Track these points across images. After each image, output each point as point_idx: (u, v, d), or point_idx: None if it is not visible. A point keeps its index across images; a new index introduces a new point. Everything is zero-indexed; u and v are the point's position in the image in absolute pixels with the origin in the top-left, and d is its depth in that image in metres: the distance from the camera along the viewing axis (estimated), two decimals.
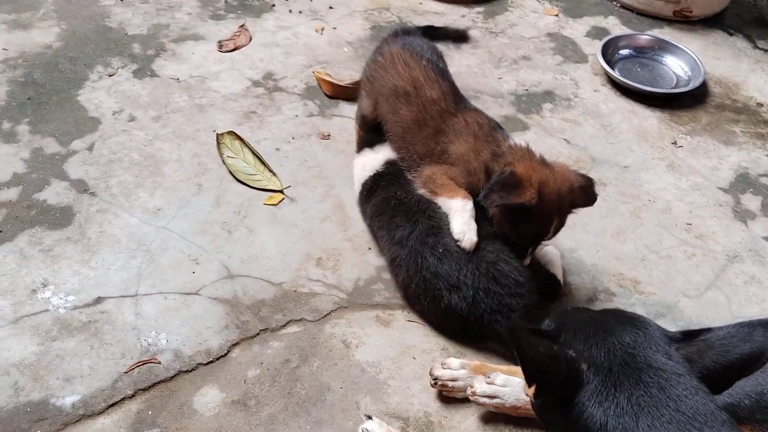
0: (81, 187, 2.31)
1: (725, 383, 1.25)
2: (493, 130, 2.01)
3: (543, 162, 1.91)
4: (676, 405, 1.14)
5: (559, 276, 2.05)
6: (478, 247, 1.89)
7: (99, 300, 2.00)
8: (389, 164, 2.21)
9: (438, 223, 1.96)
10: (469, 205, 1.95)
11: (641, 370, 1.19)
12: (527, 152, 1.92)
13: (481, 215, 1.95)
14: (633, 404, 1.16)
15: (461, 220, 1.92)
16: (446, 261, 1.89)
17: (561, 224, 1.91)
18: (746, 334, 1.25)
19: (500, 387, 1.71)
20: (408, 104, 2.12)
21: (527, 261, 1.93)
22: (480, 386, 1.71)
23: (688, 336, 1.30)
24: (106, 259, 2.10)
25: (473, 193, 1.96)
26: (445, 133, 2.05)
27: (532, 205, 1.79)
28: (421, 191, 2.05)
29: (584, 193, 1.92)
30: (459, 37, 2.57)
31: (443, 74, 2.18)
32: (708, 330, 1.30)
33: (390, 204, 2.09)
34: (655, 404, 1.15)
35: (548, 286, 2.01)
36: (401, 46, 2.24)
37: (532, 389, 1.28)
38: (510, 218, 1.88)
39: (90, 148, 2.45)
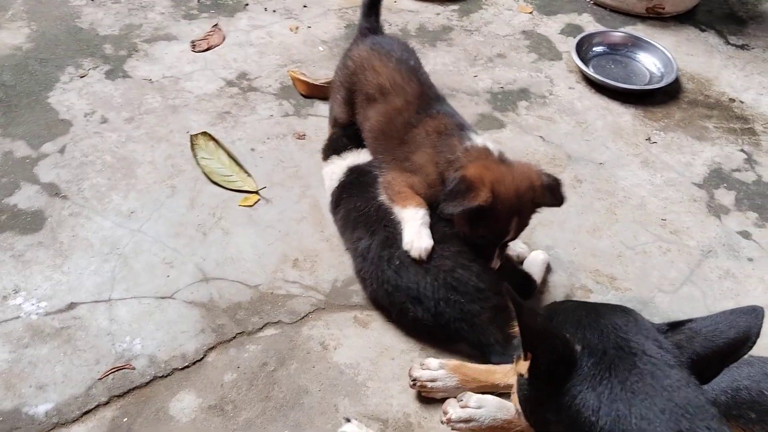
0: (52, 190, 2.28)
1: (715, 370, 1.24)
2: (451, 136, 1.95)
3: (501, 160, 1.88)
4: (669, 395, 1.11)
5: (536, 276, 2.05)
6: (431, 256, 1.87)
7: (72, 305, 1.97)
8: (351, 172, 2.20)
9: (393, 233, 1.94)
10: (420, 212, 1.92)
11: (635, 355, 1.17)
12: (483, 152, 1.89)
13: (441, 220, 1.93)
14: (627, 390, 1.12)
15: (411, 229, 1.89)
16: (404, 273, 1.88)
17: (523, 223, 1.87)
18: (731, 320, 1.25)
19: (475, 409, 1.66)
20: (376, 112, 2.11)
21: (496, 263, 1.90)
22: (455, 411, 1.67)
23: (673, 326, 1.29)
24: (78, 264, 2.07)
25: (435, 203, 1.93)
26: (407, 144, 2.02)
27: (487, 206, 1.76)
28: (382, 197, 2.03)
29: (549, 192, 1.87)
30: None
31: (413, 74, 2.14)
32: (692, 320, 1.29)
33: (351, 216, 2.09)
34: (649, 392, 1.12)
35: (522, 284, 2.01)
36: (370, 48, 2.22)
37: (526, 364, 1.23)
38: (468, 221, 1.85)
39: (61, 151, 2.41)
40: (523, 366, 1.23)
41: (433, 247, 1.88)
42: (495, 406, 1.68)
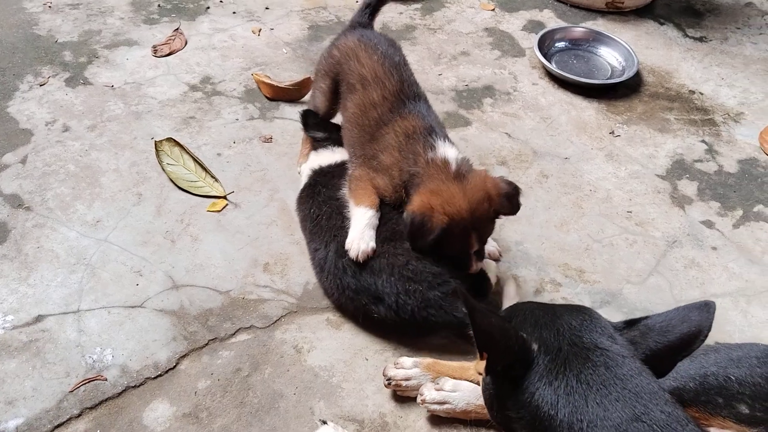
0: (15, 201, 2.24)
1: (669, 363, 1.29)
2: (416, 142, 1.94)
3: (456, 175, 1.87)
4: (623, 383, 1.17)
5: (491, 274, 2.05)
6: (370, 257, 1.88)
7: (39, 318, 1.94)
8: (315, 174, 2.21)
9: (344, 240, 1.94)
10: (369, 213, 1.93)
11: (589, 349, 1.22)
12: (441, 168, 1.88)
13: (392, 218, 1.96)
14: (582, 383, 1.18)
15: (356, 229, 1.91)
16: (363, 276, 1.88)
17: (485, 233, 1.90)
18: (683, 316, 1.30)
19: (449, 392, 1.71)
20: (354, 103, 2.11)
21: (476, 267, 1.90)
22: (429, 393, 1.72)
23: (630, 324, 1.34)
24: (44, 276, 2.04)
25: (398, 203, 1.96)
26: (377, 141, 2.02)
27: (443, 232, 1.78)
28: (344, 190, 2.04)
29: (507, 200, 1.88)
30: None
31: (395, 69, 2.12)
32: (647, 317, 1.34)
33: (307, 225, 2.10)
34: (603, 382, 1.17)
35: (478, 282, 1.99)
36: (357, 39, 2.22)
37: (483, 363, 1.29)
38: (436, 246, 1.84)
39: (23, 161, 2.37)
40: (481, 365, 1.28)
41: (387, 245, 1.90)
42: (469, 391, 1.72)
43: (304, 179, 2.23)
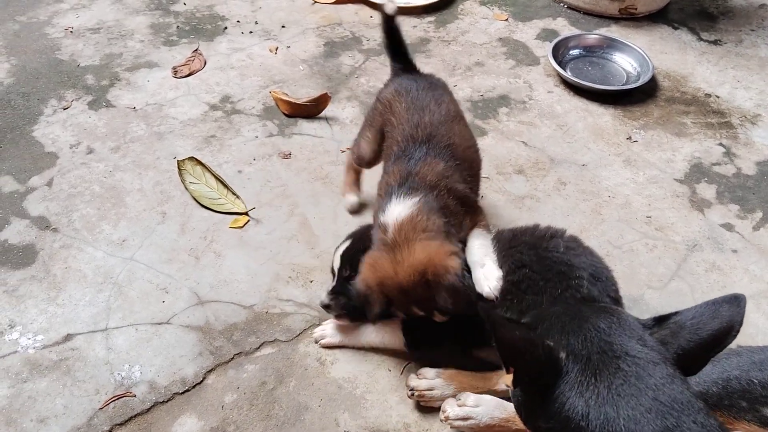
0: (42, 223, 2.29)
1: (701, 361, 1.27)
2: (380, 198, 1.85)
3: (394, 243, 1.71)
4: (655, 393, 1.15)
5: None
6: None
7: (68, 337, 1.98)
8: None
9: None
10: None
11: (619, 357, 1.20)
12: (381, 234, 1.75)
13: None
14: (613, 393, 1.16)
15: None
16: None
17: (428, 306, 1.72)
18: (714, 311, 1.27)
19: (472, 408, 1.72)
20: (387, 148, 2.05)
21: (440, 318, 1.76)
22: (452, 410, 1.73)
23: (659, 321, 1.32)
24: (73, 295, 2.08)
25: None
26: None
27: (385, 303, 1.72)
28: None
29: (449, 294, 1.66)
30: None
31: (418, 112, 1.98)
32: (677, 313, 1.31)
33: None
34: (635, 393, 1.15)
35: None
36: (394, 90, 2.11)
37: (510, 377, 1.27)
38: (383, 314, 1.79)
39: (49, 184, 2.43)
40: (507, 378, 1.26)
41: None
42: (492, 405, 1.72)
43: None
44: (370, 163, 2.24)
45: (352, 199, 2.36)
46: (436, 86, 2.12)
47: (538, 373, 1.22)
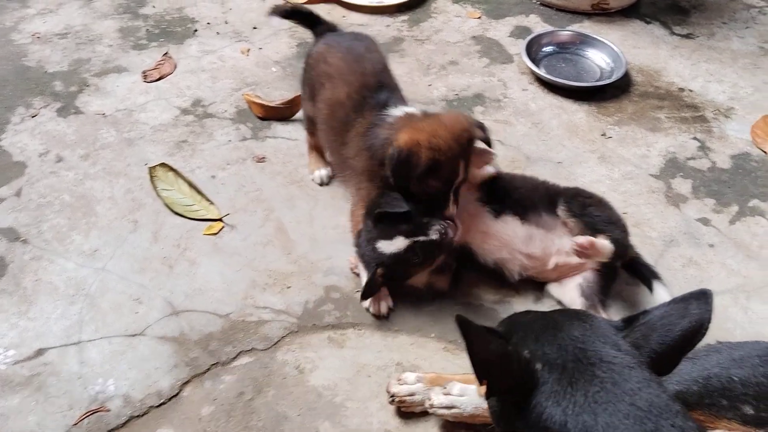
0: (12, 235, 2.24)
1: (673, 362, 1.27)
2: (375, 125, 2.00)
3: (427, 115, 1.97)
4: (632, 399, 1.14)
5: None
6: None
7: (40, 352, 1.94)
8: None
9: None
10: None
11: (594, 364, 1.19)
12: (407, 118, 1.96)
13: None
14: (590, 401, 1.15)
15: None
16: None
17: (468, 162, 1.95)
18: (683, 309, 1.27)
19: (457, 397, 1.72)
20: (324, 102, 2.16)
21: (453, 209, 1.93)
22: (437, 398, 1.72)
23: (629, 321, 1.32)
24: (44, 309, 2.04)
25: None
26: (347, 146, 2.09)
27: (434, 161, 1.82)
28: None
29: (479, 128, 1.98)
30: None
31: (359, 63, 2.16)
32: (646, 312, 1.31)
33: None
34: (612, 399, 1.15)
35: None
36: (324, 44, 2.30)
37: (483, 389, 1.27)
38: (420, 181, 1.87)
39: (18, 194, 2.38)
40: (481, 389, 1.26)
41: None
42: (477, 396, 1.71)
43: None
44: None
45: (322, 171, 2.43)
46: (362, 37, 2.35)
47: (514, 386, 1.21)
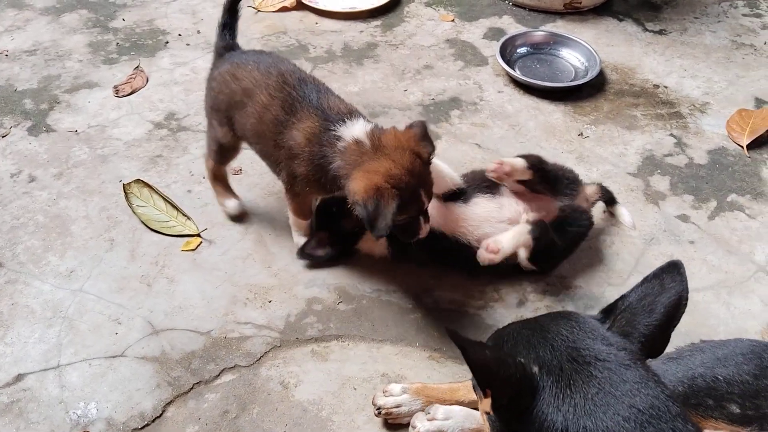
0: None
1: (662, 341, 1.26)
2: (321, 142, 1.93)
3: (375, 148, 1.87)
4: (631, 400, 1.12)
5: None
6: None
7: (19, 377, 1.90)
8: None
9: None
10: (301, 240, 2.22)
11: (590, 364, 1.17)
12: (356, 150, 1.88)
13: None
14: (590, 404, 1.13)
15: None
16: None
17: (429, 187, 1.90)
18: (658, 286, 1.27)
19: (443, 421, 1.67)
20: (249, 115, 2.06)
21: (425, 230, 1.92)
22: (422, 425, 1.68)
23: (608, 312, 1.31)
24: (21, 333, 2.00)
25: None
26: (282, 148, 2.02)
27: (400, 200, 1.78)
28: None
29: (424, 141, 1.90)
30: None
31: (272, 67, 2.09)
32: (622, 298, 1.30)
33: None
34: (611, 402, 1.12)
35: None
36: (229, 64, 2.17)
37: (488, 401, 1.22)
38: (393, 221, 1.82)
39: None
40: (486, 404, 1.21)
41: None
42: (462, 416, 1.69)
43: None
44: (231, 151, 2.27)
45: (232, 202, 2.34)
46: (266, 52, 2.26)
47: (516, 392, 1.18)
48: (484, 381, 1.20)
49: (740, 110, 2.79)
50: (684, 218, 2.37)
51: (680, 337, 1.91)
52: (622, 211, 2.34)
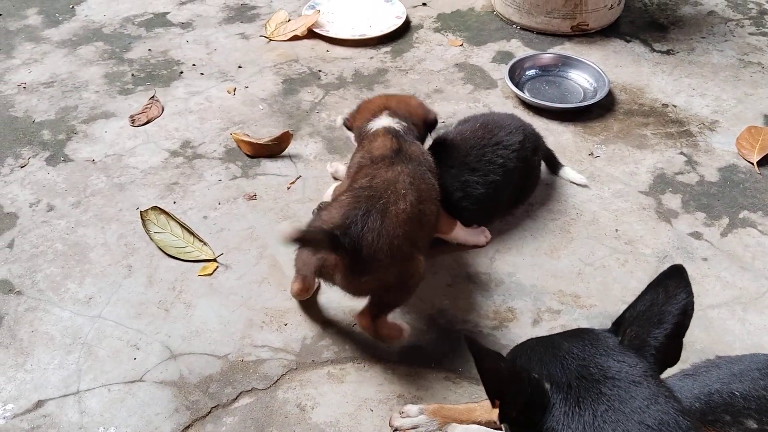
0: (5, 287, 2.23)
1: (676, 350, 1.26)
2: None
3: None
4: (640, 417, 1.12)
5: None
6: None
7: (40, 404, 1.92)
8: None
9: None
10: None
11: (599, 381, 1.17)
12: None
13: None
14: (599, 421, 1.13)
15: None
16: None
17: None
18: (663, 293, 1.26)
19: None
20: None
21: None
22: None
23: (618, 326, 1.31)
24: (41, 360, 2.03)
25: None
26: None
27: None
28: None
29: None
30: None
31: None
32: (629, 308, 1.30)
33: None
34: (620, 419, 1.12)
35: None
36: None
37: (496, 411, 1.23)
38: None
39: (10, 246, 2.37)
40: (494, 413, 1.23)
41: None
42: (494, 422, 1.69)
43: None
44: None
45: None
46: None
47: (526, 404, 1.19)
48: (494, 391, 1.21)
49: (750, 127, 2.80)
50: (697, 235, 2.37)
51: (696, 353, 1.92)
52: (568, 171, 2.60)
